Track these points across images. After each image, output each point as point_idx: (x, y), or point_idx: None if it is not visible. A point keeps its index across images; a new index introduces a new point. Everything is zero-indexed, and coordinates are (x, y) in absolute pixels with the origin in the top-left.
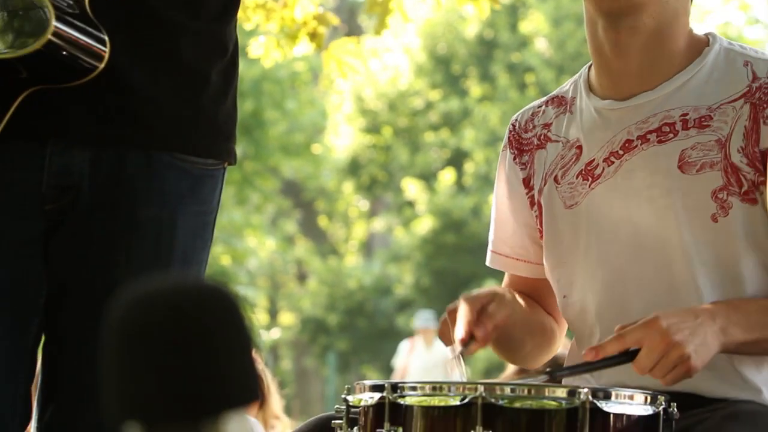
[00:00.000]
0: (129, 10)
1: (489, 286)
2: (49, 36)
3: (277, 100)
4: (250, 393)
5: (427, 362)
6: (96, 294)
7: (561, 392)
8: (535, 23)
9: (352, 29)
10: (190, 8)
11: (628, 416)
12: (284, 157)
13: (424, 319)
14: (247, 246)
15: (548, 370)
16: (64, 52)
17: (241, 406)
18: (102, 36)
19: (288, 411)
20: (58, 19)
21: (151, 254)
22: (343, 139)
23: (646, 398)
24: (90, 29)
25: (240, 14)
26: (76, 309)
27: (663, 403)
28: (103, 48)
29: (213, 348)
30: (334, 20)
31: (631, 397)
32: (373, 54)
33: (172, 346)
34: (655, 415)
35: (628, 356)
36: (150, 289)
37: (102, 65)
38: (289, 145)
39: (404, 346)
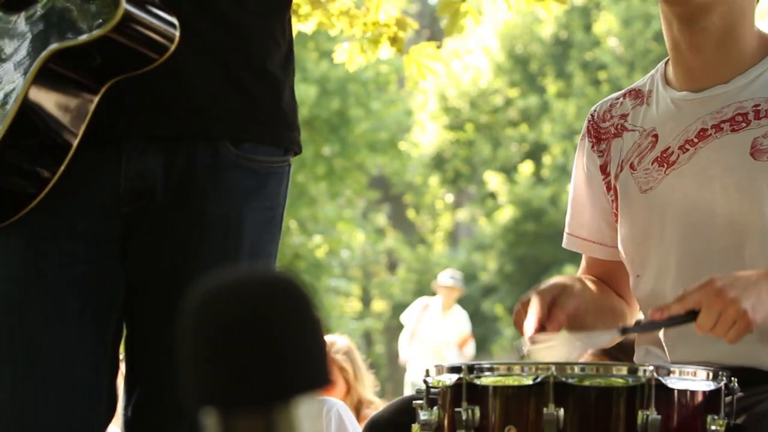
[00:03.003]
0: (189, 8)
1: (565, 274)
2: (120, 17)
3: (363, 101)
4: (321, 378)
5: (437, 330)
6: (170, 289)
7: (627, 370)
8: (607, 23)
9: (434, 33)
10: (243, 4)
11: (692, 392)
12: (369, 154)
13: (449, 276)
14: (340, 238)
15: (620, 326)
16: (136, 35)
17: (312, 390)
18: (171, 19)
19: (381, 393)
20: (129, 1)
21: (221, 250)
22: (428, 136)
23: (708, 374)
24: (159, 12)
25: (325, 21)
26: (152, 304)
27: (724, 378)
28: (174, 30)
29: (283, 336)
30: (414, 24)
31: (693, 374)
32: (455, 55)
33: (244, 335)
34: (717, 390)
35: (690, 316)
36: (220, 282)
37: (173, 47)
38: (374, 143)
39: (420, 302)
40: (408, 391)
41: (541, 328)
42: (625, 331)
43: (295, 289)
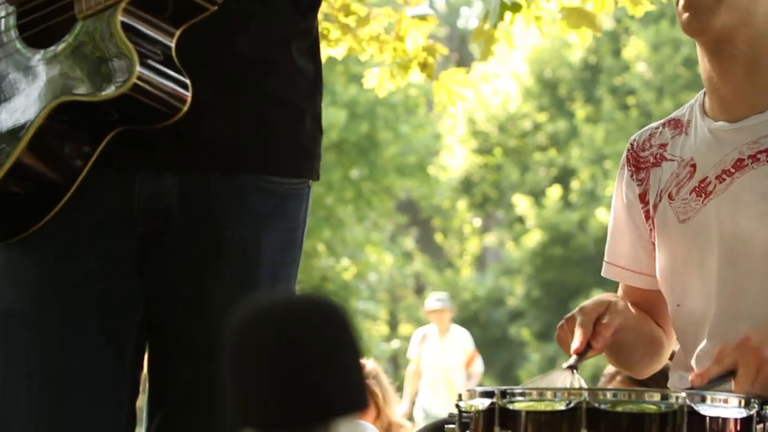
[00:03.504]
0: (210, 45)
1: (598, 295)
2: (134, 81)
3: (391, 125)
4: (359, 401)
5: (439, 356)
6: (188, 310)
7: (659, 396)
8: (636, 48)
9: (463, 57)
10: (263, 36)
11: (724, 419)
12: (398, 177)
13: (435, 299)
14: (368, 261)
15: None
16: (149, 96)
17: (351, 413)
18: (185, 80)
19: (410, 417)
20: (143, 65)
21: (239, 271)
22: (456, 159)
23: (740, 401)
24: (173, 74)
25: (355, 46)
26: (170, 325)
27: (756, 405)
28: (186, 92)
29: (323, 359)
30: (443, 50)
31: (725, 401)
32: (484, 79)
33: (284, 359)
34: (749, 418)
35: (729, 377)
36: (262, 306)
37: (185, 108)
38: (403, 167)
39: (418, 334)
40: (420, 423)
41: (587, 345)
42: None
43: (335, 313)
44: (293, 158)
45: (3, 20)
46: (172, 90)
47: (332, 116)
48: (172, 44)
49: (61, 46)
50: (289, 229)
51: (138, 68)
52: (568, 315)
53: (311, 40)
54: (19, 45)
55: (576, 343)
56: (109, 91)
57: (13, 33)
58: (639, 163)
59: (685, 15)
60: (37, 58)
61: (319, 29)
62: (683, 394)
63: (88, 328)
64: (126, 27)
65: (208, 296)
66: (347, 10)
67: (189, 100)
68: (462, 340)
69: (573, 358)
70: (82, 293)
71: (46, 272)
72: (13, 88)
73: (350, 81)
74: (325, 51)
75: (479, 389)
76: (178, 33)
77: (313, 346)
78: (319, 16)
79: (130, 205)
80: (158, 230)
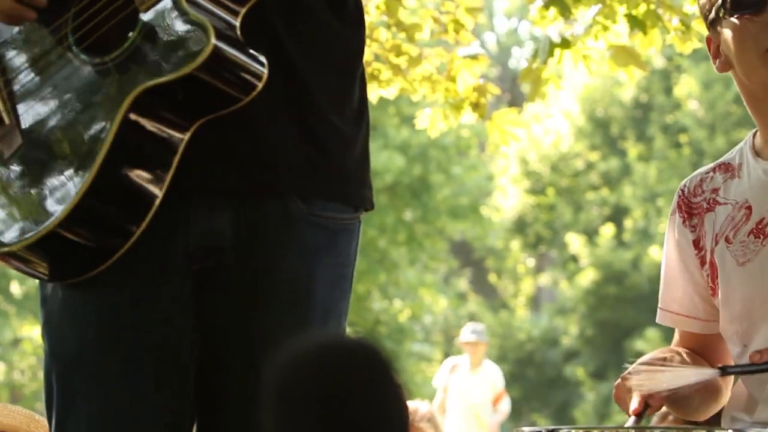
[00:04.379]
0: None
1: (647, 338)
2: (209, 52)
3: (444, 166)
4: None
5: (468, 390)
6: (241, 347)
7: None
8: (687, 86)
9: (515, 97)
10: (317, 61)
11: None
12: (450, 219)
13: (470, 330)
14: (423, 303)
15: (719, 366)
16: (226, 69)
17: None
18: (259, 57)
19: None
20: (218, 37)
21: (292, 307)
22: (509, 200)
23: None
24: (248, 49)
25: (407, 86)
26: (224, 361)
27: None
28: (262, 69)
29: (363, 409)
30: (495, 90)
31: None
32: (536, 119)
33: (323, 409)
34: None
35: None
36: (301, 351)
37: (260, 85)
38: (456, 208)
39: (448, 363)
40: None
41: (645, 404)
42: (724, 371)
43: (377, 362)
44: (345, 184)
45: (62, 36)
46: (248, 65)
47: (387, 159)
48: (237, 23)
49: (128, 43)
50: (340, 265)
51: (213, 40)
52: (625, 373)
53: (358, 67)
54: (83, 56)
55: (634, 403)
56: (188, 63)
57: (73, 51)
58: (691, 209)
59: None
60: (104, 62)
61: (371, 70)
62: (729, 431)
63: (146, 371)
64: (193, 3)
65: (261, 333)
66: (398, 51)
67: (265, 77)
68: (493, 376)
69: (632, 419)
70: (140, 337)
71: (104, 317)
72: (83, 99)
73: (402, 123)
74: (377, 91)
75: (527, 429)
76: (242, 12)
77: (354, 397)
78: (371, 56)
79: (186, 245)
80: (212, 268)
